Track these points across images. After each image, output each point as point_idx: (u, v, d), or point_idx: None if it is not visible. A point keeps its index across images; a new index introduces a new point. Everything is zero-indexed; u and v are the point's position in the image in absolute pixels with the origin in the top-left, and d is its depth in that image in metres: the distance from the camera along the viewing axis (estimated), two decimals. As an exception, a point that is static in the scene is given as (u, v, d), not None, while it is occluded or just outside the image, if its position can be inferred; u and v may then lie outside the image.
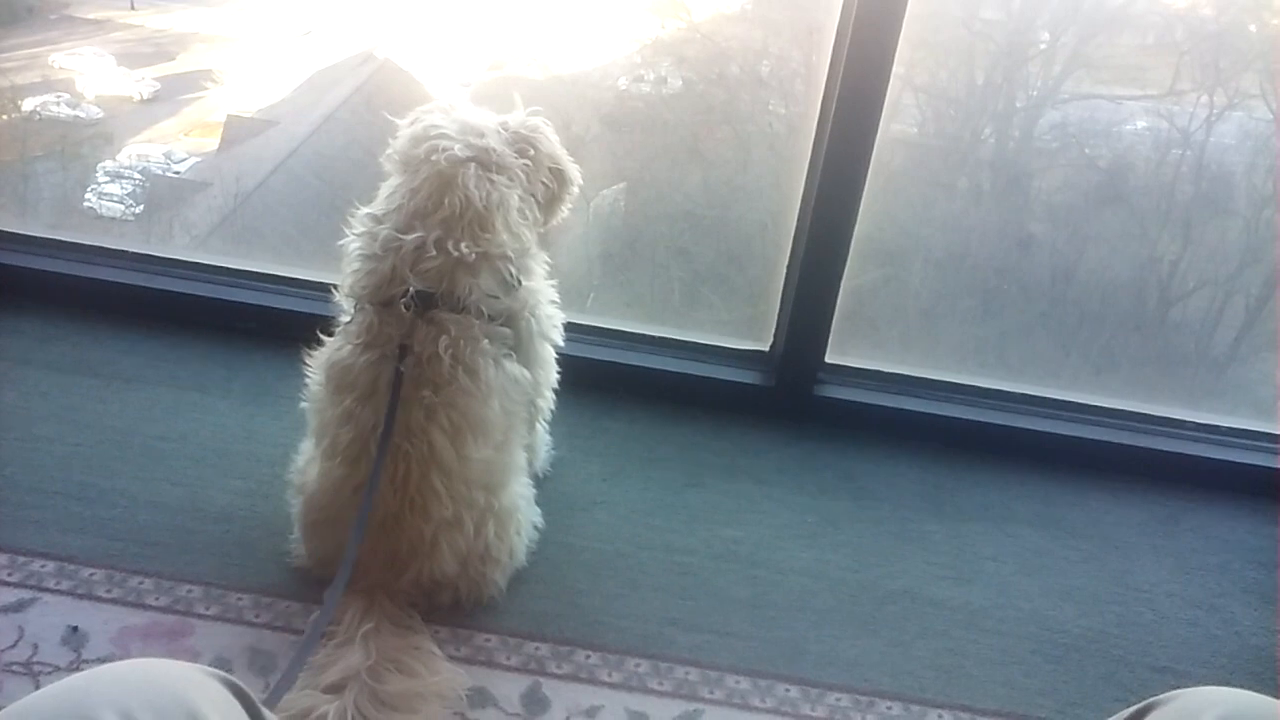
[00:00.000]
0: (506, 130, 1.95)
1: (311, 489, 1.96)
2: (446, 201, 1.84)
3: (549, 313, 2.07)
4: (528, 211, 1.95)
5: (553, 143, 2.00)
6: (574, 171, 2.04)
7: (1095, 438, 2.65)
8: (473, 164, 1.86)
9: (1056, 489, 2.56)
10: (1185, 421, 2.68)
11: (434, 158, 1.85)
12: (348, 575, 1.78)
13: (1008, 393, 2.71)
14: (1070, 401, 2.70)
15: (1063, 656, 2.10)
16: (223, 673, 1.08)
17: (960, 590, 2.23)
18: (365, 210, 1.94)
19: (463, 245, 1.84)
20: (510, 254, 1.91)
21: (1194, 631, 2.20)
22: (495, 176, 1.88)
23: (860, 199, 2.45)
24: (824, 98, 2.40)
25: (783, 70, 3.44)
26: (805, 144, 2.48)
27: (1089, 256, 3.31)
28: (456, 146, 1.86)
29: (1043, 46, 3.26)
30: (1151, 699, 1.17)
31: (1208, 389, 3.20)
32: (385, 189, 1.94)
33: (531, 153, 1.95)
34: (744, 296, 3.30)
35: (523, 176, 1.93)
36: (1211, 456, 2.62)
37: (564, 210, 2.07)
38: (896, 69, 2.33)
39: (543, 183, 1.98)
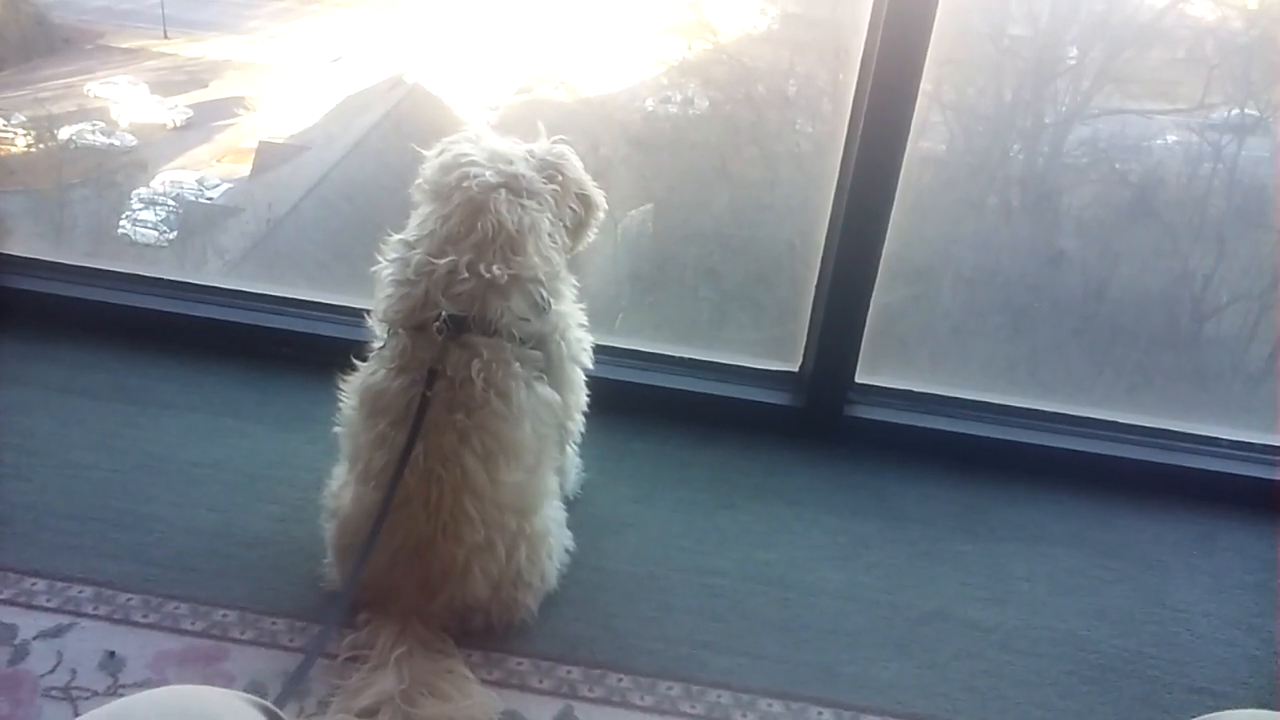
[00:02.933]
0: (534, 157, 1.97)
1: (345, 513, 1.97)
2: (480, 226, 1.85)
3: (578, 335, 2.08)
4: (557, 236, 1.97)
5: (578, 169, 2.02)
6: (599, 197, 2.06)
7: (1129, 456, 2.62)
8: (503, 189, 1.88)
9: (1090, 508, 2.54)
10: (1220, 439, 2.65)
11: (465, 184, 1.87)
12: (352, 590, 1.83)
13: (1039, 411, 2.68)
14: (1103, 420, 2.67)
15: (1099, 678, 2.08)
16: (258, 698, 1.10)
17: (994, 611, 2.21)
18: (398, 237, 1.96)
19: (494, 268, 1.85)
20: (541, 277, 1.93)
21: (1232, 651, 2.17)
22: (525, 201, 1.90)
23: (889, 217, 2.44)
24: (851, 116, 2.40)
25: (809, 89, 3.45)
26: (833, 163, 2.48)
27: (1121, 272, 3.29)
28: (488, 173, 1.88)
29: (1071, 62, 3.26)
30: (1188, 723, 1.16)
31: (1243, 404, 3.16)
32: (416, 217, 1.96)
33: (559, 178, 1.97)
34: (773, 316, 3.30)
35: (552, 202, 1.95)
36: (1247, 474, 2.59)
37: (590, 235, 2.09)
38: (924, 86, 2.33)
39: (570, 208, 2.00)
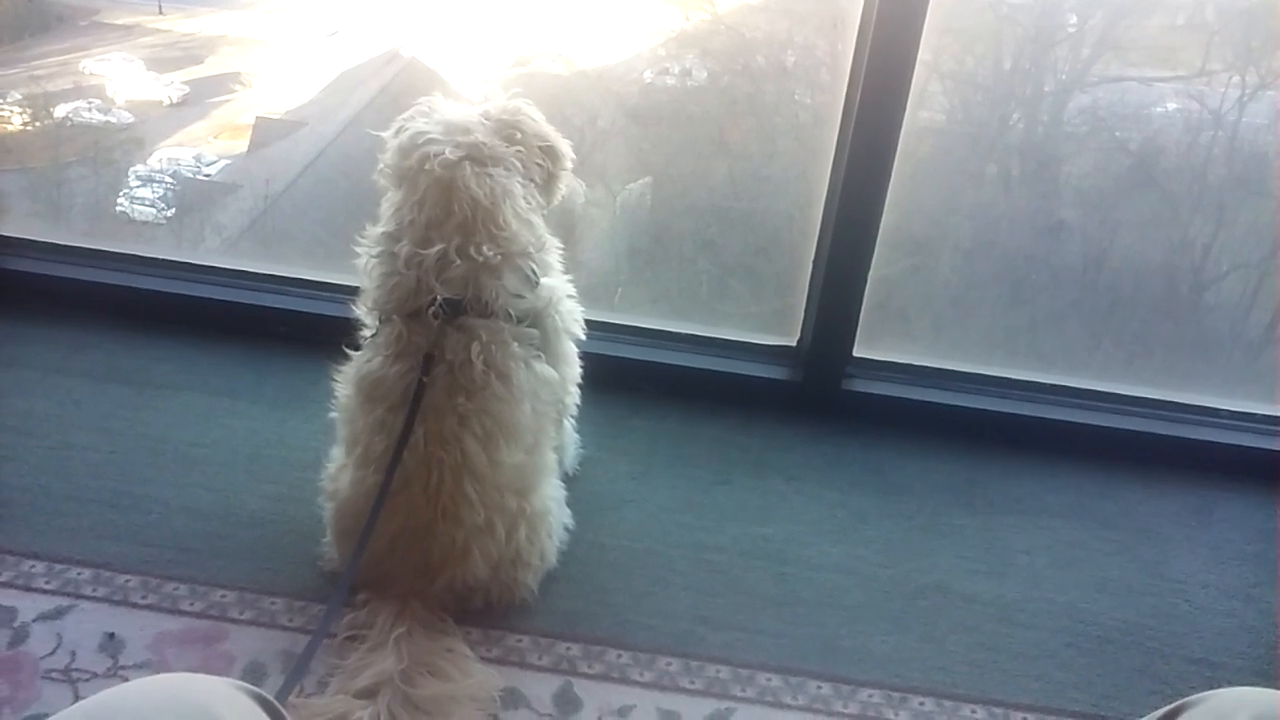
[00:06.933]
0: (490, 120, 1.92)
1: (343, 496, 1.97)
2: (456, 208, 1.83)
3: (569, 308, 2.07)
4: (530, 198, 1.94)
5: (537, 122, 1.98)
6: (565, 145, 2.01)
7: (1128, 427, 2.62)
8: (467, 163, 1.84)
9: (1089, 480, 2.54)
10: (1219, 409, 2.65)
11: (428, 166, 1.83)
12: (354, 574, 1.82)
13: (1038, 383, 2.68)
14: (1102, 391, 2.68)
15: (1097, 649, 2.08)
16: (251, 686, 1.10)
17: (993, 584, 2.22)
18: (380, 230, 1.93)
19: (484, 249, 1.84)
20: (530, 250, 1.91)
21: (1230, 622, 2.18)
22: (491, 170, 1.87)
23: (887, 188, 2.43)
24: (849, 87, 2.39)
25: (808, 60, 3.42)
26: (831, 134, 2.47)
27: (1120, 242, 3.28)
28: (447, 149, 1.84)
29: (1071, 29, 3.22)
30: (1183, 700, 1.16)
31: (1242, 375, 3.16)
32: (389, 205, 1.93)
33: (519, 136, 1.92)
34: (772, 289, 3.29)
35: (517, 164, 1.91)
36: (1246, 445, 2.59)
37: (563, 187, 2.04)
38: (922, 56, 2.31)
39: (537, 164, 1.96)
